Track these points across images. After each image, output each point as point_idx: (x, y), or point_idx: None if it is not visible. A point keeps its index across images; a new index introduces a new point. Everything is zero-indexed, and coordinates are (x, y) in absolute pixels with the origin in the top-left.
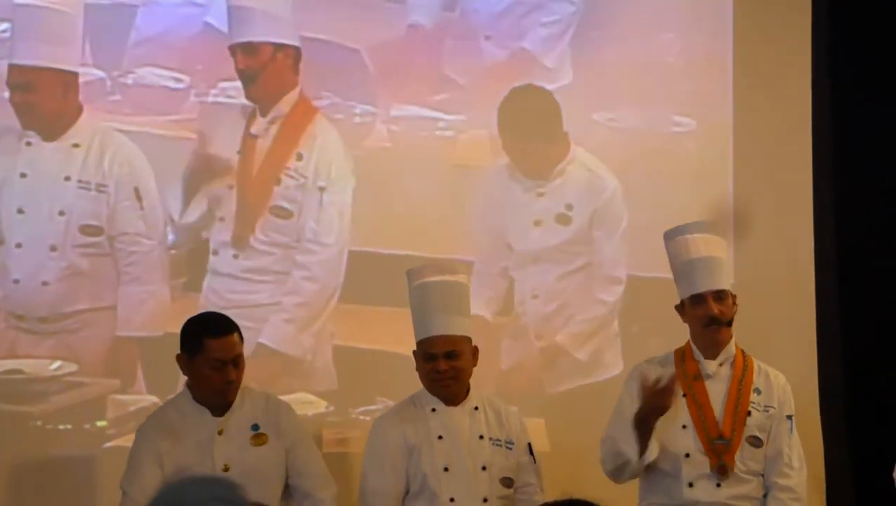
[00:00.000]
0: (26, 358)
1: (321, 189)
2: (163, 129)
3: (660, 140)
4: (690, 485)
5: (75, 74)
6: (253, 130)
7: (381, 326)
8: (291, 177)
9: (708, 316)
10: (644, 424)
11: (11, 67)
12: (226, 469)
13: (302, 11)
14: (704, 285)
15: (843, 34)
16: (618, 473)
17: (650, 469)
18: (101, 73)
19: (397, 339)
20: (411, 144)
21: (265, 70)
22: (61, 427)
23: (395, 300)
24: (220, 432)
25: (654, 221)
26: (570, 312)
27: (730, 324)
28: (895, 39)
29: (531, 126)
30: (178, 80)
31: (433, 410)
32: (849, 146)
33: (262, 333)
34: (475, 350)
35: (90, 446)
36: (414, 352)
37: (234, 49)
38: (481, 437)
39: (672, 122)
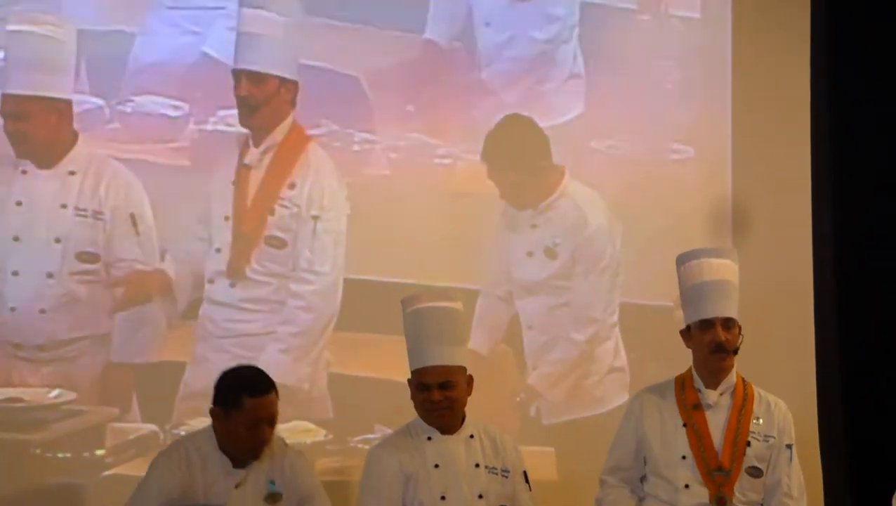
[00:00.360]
0: (23, 386)
1: (315, 218)
2: (160, 156)
3: (658, 167)
4: None
5: (69, 102)
6: (246, 160)
7: (379, 354)
8: (285, 206)
9: (715, 342)
10: None
11: (4, 97)
12: None
13: (300, 39)
14: (714, 311)
15: (843, 38)
16: None
17: (649, 499)
18: (99, 102)
19: (395, 367)
20: (410, 172)
21: (268, 103)
22: (60, 455)
23: (393, 328)
24: (237, 486)
25: (651, 249)
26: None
27: (735, 352)
28: (895, 40)
29: (517, 157)
30: (176, 107)
31: (429, 438)
32: (849, 148)
33: (258, 365)
34: (470, 379)
35: (89, 474)
36: (408, 380)
37: (238, 74)
38: (477, 465)
39: (671, 149)
